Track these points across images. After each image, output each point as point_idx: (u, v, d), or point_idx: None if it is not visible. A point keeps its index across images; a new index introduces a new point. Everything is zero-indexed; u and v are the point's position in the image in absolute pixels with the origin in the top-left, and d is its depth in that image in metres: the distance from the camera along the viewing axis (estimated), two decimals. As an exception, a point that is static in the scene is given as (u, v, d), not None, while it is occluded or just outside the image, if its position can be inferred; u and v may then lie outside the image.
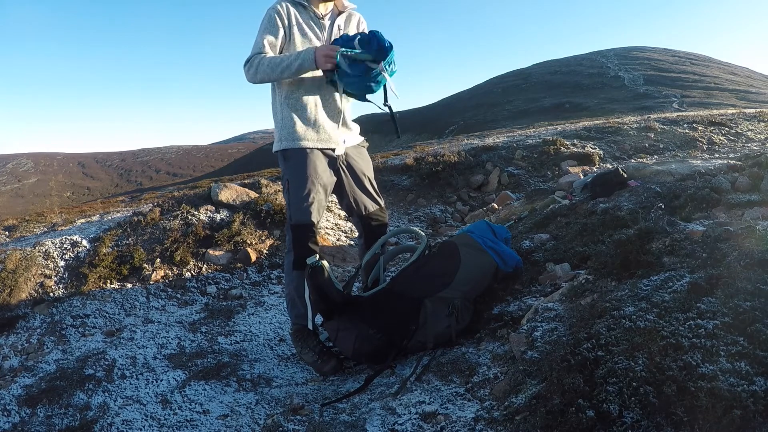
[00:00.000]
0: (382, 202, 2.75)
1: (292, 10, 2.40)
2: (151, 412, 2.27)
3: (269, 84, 2.47)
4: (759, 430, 1.16)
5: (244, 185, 4.88)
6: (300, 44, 2.40)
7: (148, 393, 2.42)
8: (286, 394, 2.27)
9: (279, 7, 2.38)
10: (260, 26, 2.38)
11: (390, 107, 2.35)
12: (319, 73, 2.33)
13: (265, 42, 2.34)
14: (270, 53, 2.34)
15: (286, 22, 2.38)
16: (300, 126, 2.39)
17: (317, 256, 2.37)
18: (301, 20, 2.41)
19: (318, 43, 2.43)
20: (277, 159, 2.54)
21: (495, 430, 1.58)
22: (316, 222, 2.46)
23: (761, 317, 1.41)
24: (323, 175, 2.46)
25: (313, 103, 2.41)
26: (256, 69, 2.29)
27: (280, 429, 1.89)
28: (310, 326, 2.44)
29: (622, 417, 1.31)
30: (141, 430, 2.14)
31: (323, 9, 2.46)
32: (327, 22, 2.47)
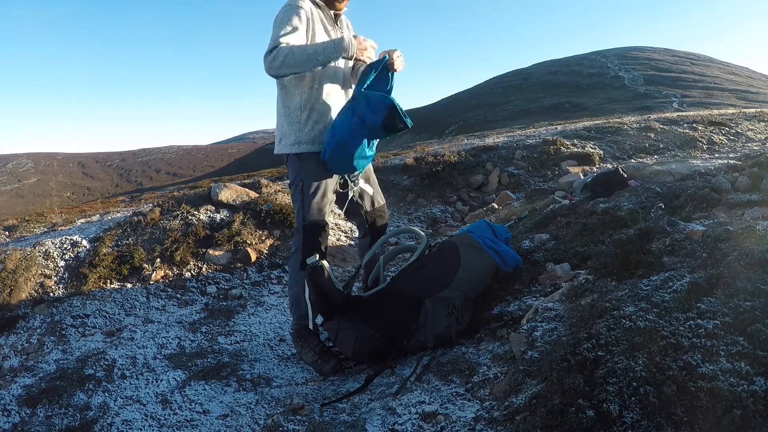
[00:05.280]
0: (383, 200, 2.80)
1: (314, 9, 2.38)
2: (151, 412, 2.26)
3: (277, 84, 2.43)
4: (759, 430, 1.16)
5: (244, 185, 4.89)
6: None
7: (148, 393, 2.42)
8: (286, 394, 2.27)
9: (301, 2, 2.32)
10: (282, 19, 2.26)
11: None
12: (341, 73, 2.44)
13: (291, 34, 2.23)
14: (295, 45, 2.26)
15: (309, 18, 2.34)
16: (321, 132, 2.41)
17: (317, 255, 2.38)
18: (322, 21, 2.41)
19: None
20: (283, 158, 2.53)
21: (495, 430, 1.58)
22: (328, 222, 2.48)
23: (761, 317, 1.41)
24: (336, 176, 2.49)
25: (334, 109, 2.43)
26: (285, 57, 2.17)
27: (280, 429, 1.89)
28: (310, 326, 2.44)
29: (622, 417, 1.31)
30: (141, 430, 2.14)
31: (332, 15, 2.49)
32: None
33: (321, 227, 2.45)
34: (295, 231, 2.53)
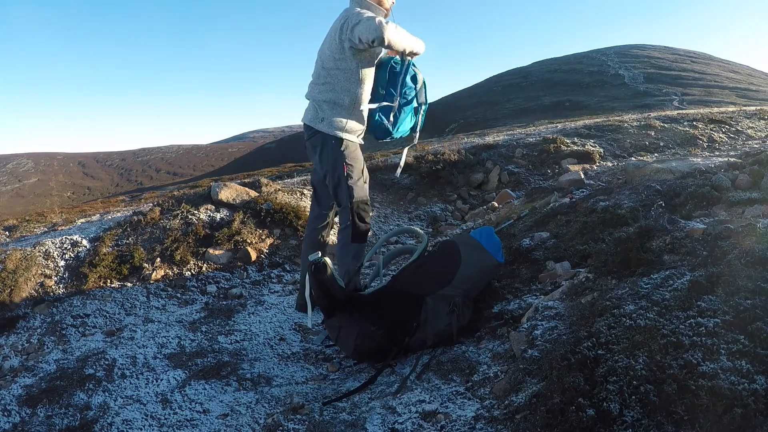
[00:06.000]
0: None
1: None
2: (151, 411, 2.27)
3: (325, 73, 2.65)
4: (760, 428, 1.15)
5: (244, 184, 4.88)
6: None
7: (148, 392, 2.42)
8: (286, 393, 2.27)
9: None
10: (364, 13, 2.47)
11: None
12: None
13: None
14: None
15: None
16: (363, 127, 2.76)
17: (319, 252, 2.39)
18: None
19: None
20: (321, 142, 2.72)
21: (495, 428, 1.58)
22: (368, 197, 2.81)
23: (762, 315, 1.41)
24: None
25: (367, 110, 2.76)
26: (398, 32, 2.45)
27: (280, 428, 1.89)
28: (309, 324, 2.46)
29: (623, 416, 1.31)
30: (141, 429, 2.14)
31: None
32: None
33: (365, 203, 2.75)
34: (341, 210, 2.77)
